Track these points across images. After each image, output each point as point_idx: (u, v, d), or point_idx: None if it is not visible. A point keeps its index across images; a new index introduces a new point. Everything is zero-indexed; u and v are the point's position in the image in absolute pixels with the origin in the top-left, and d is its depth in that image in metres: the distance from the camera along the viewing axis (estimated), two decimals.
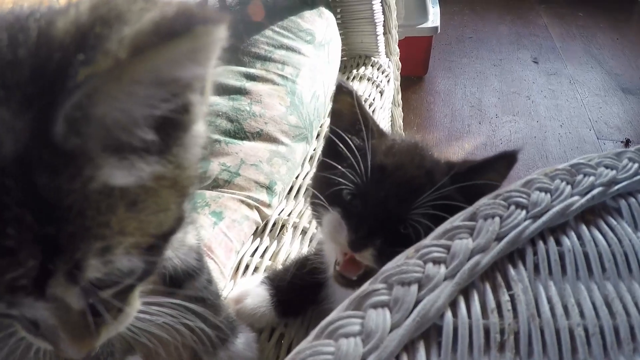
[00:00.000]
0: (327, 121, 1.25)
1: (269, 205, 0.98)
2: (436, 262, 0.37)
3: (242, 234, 0.92)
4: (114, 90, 0.29)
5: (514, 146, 2.09)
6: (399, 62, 1.62)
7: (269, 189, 0.98)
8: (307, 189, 1.01)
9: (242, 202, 0.94)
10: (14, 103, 0.29)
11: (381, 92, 1.43)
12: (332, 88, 1.33)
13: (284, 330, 0.78)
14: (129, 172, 0.33)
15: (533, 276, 0.37)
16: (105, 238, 0.33)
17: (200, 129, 0.38)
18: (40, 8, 0.35)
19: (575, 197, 0.42)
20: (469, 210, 0.42)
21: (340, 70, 1.42)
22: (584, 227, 0.41)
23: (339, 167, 0.62)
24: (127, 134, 0.32)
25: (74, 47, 0.29)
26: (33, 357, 0.47)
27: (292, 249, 0.91)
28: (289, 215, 1.00)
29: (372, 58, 1.54)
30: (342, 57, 1.43)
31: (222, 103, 1.03)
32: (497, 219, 0.40)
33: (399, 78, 1.65)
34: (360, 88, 1.40)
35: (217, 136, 0.99)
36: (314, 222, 0.95)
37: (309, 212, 0.98)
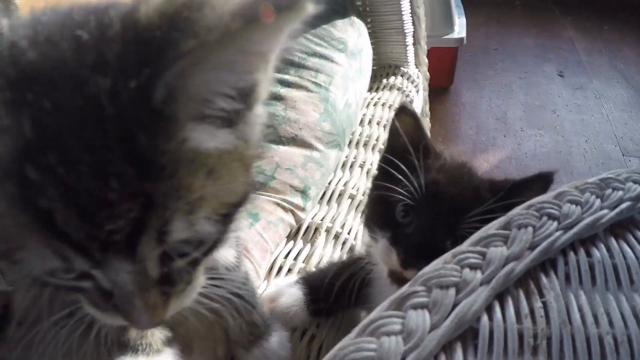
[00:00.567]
0: (359, 130, 1.28)
1: (303, 209, 0.99)
2: (472, 267, 0.38)
3: (277, 235, 0.93)
4: (214, 61, 0.32)
5: (539, 160, 2.08)
6: (427, 73, 1.63)
7: (303, 193, 0.99)
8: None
9: (278, 204, 0.96)
10: (111, 73, 0.32)
11: (410, 102, 1.43)
12: (363, 96, 1.35)
13: (316, 331, 0.79)
14: (211, 139, 0.37)
15: (564, 285, 0.38)
16: (190, 201, 0.36)
17: (261, 109, 0.42)
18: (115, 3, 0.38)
19: (605, 211, 0.43)
20: (503, 219, 0.43)
21: (370, 80, 1.43)
22: (612, 240, 0.42)
23: (395, 187, 0.66)
24: (213, 103, 0.36)
25: (166, 26, 0.33)
26: (93, 340, 0.49)
27: (324, 252, 0.93)
28: (322, 219, 1.01)
29: (401, 68, 1.56)
30: (372, 67, 1.44)
31: None
32: (530, 228, 0.41)
33: (427, 89, 1.65)
34: (390, 98, 1.41)
35: None
36: (347, 228, 0.99)
37: (342, 217, 1.01)
